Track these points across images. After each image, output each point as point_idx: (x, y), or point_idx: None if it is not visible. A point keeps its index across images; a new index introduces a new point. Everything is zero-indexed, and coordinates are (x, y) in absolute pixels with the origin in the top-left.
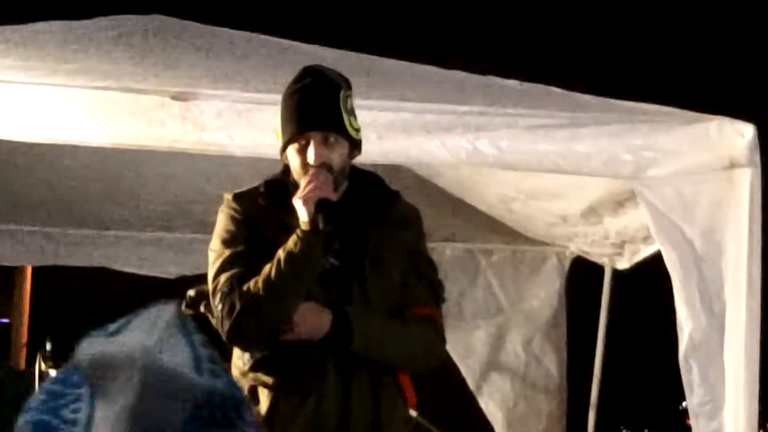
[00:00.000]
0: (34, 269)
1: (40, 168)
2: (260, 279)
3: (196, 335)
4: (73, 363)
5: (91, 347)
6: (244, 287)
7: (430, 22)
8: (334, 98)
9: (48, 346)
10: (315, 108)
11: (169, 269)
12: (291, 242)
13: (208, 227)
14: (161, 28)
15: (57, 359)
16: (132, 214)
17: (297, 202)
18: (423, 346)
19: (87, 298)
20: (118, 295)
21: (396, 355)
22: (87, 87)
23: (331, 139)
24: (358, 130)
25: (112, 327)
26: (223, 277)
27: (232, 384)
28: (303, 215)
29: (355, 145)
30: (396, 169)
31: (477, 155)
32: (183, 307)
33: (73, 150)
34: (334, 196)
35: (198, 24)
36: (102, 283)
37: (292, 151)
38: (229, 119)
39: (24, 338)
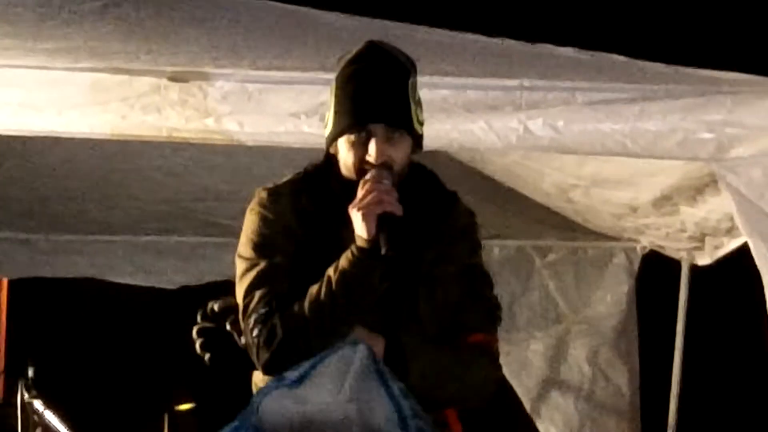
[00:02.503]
0: (11, 283)
1: (13, 163)
2: (306, 302)
3: (395, 383)
4: (251, 420)
5: (275, 404)
6: (287, 311)
7: None
8: (403, 86)
9: (30, 373)
10: (381, 97)
11: (170, 279)
12: (344, 261)
13: (213, 229)
14: None
15: (43, 388)
16: (125, 216)
17: (355, 213)
18: (479, 382)
19: (74, 315)
20: (111, 310)
21: (452, 392)
22: (68, 69)
23: (396, 135)
24: (422, 124)
25: (293, 374)
26: (257, 294)
27: None
28: (361, 230)
29: (418, 141)
30: (433, 155)
31: (529, 138)
32: (199, 318)
33: (52, 142)
34: (399, 210)
35: None
36: (91, 297)
37: (344, 143)
38: (237, 102)
39: (1, 365)
